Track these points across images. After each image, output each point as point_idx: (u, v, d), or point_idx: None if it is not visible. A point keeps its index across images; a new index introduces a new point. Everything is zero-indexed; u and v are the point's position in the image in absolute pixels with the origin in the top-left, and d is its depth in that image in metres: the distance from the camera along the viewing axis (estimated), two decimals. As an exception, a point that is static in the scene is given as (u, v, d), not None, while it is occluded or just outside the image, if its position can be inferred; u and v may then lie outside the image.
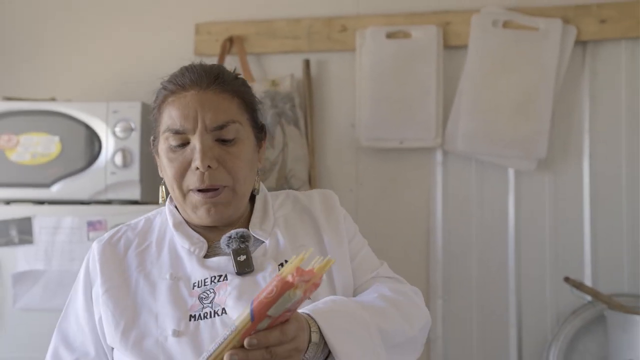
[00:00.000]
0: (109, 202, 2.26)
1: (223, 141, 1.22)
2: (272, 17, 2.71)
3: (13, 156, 2.27)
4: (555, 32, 2.48)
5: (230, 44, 2.70)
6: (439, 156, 2.61)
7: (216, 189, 1.21)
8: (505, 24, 2.54)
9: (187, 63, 1.30)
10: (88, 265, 1.28)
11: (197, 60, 1.30)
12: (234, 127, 1.23)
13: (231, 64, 2.61)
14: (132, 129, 2.24)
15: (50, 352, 1.28)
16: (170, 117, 1.22)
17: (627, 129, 2.53)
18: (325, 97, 2.69)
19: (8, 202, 2.30)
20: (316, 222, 1.32)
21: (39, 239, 2.19)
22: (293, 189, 2.56)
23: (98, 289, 1.23)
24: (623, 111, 2.53)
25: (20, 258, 2.19)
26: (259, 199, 1.33)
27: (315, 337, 1.06)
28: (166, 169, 1.25)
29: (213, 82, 1.24)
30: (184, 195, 1.24)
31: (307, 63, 2.66)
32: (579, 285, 2.31)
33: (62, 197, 2.26)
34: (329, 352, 1.09)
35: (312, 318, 1.08)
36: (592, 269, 2.51)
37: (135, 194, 2.24)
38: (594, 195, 2.53)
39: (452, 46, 2.60)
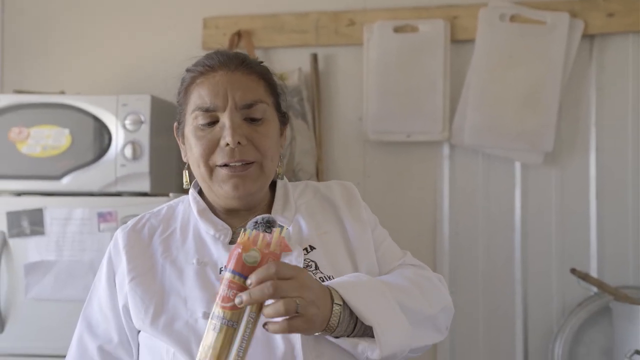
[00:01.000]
0: (119, 194, 2.28)
1: (251, 120, 1.25)
2: (279, 11, 2.72)
3: (24, 149, 2.29)
4: (563, 26, 2.49)
5: (238, 38, 2.71)
6: (446, 150, 2.62)
7: (245, 164, 1.23)
8: (513, 18, 2.56)
9: (195, 57, 1.33)
10: (110, 253, 1.29)
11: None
12: (262, 107, 1.25)
13: (239, 57, 2.63)
14: (141, 122, 2.26)
15: (75, 338, 1.30)
16: (200, 96, 1.25)
17: (634, 123, 2.53)
18: (333, 91, 2.71)
19: (19, 194, 2.32)
20: (337, 210, 1.34)
21: (50, 230, 2.21)
22: (301, 182, 2.59)
23: (123, 276, 1.25)
24: (630, 104, 2.54)
25: (32, 248, 2.21)
26: (279, 187, 1.35)
27: (338, 299, 1.09)
28: (193, 148, 1.26)
29: (240, 64, 1.27)
30: (211, 171, 1.25)
31: (314, 57, 2.68)
32: (585, 277, 2.32)
33: (73, 190, 2.27)
34: (355, 325, 1.12)
35: (332, 288, 1.11)
36: (598, 262, 2.52)
37: (145, 186, 2.26)
38: (600, 189, 2.54)
39: (460, 40, 2.61)
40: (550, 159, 2.55)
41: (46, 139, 2.29)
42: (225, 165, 1.23)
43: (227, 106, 1.23)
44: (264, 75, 1.29)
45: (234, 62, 1.26)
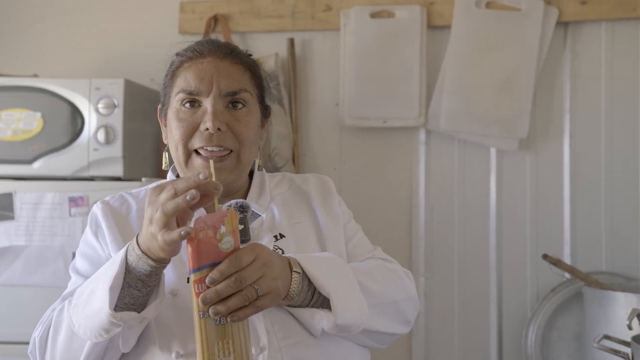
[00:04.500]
0: (91, 179, 2.25)
1: (233, 108, 1.28)
2: (256, -5, 2.70)
3: (-6, 132, 2.26)
4: (537, 13, 2.50)
5: (214, 22, 2.69)
6: (422, 135, 2.62)
7: (222, 155, 1.25)
8: (488, 5, 2.56)
9: (171, 41, 1.38)
10: (95, 219, 1.31)
11: (182, 39, 1.35)
12: (245, 96, 1.29)
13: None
14: (115, 106, 2.23)
15: (69, 291, 1.29)
16: (186, 79, 1.28)
17: (607, 110, 2.55)
18: (310, 76, 2.70)
19: (-12, 178, 2.29)
20: (311, 202, 1.36)
21: (20, 214, 2.19)
22: (277, 168, 2.58)
23: (107, 234, 1.27)
24: (603, 92, 2.56)
25: (1, 234, 2.18)
26: (256, 176, 1.38)
27: (296, 267, 1.12)
28: (173, 130, 1.28)
29: (229, 53, 1.30)
30: (188, 156, 1.27)
31: (291, 42, 2.66)
32: (556, 262, 2.34)
33: (44, 174, 2.24)
34: (313, 295, 1.14)
35: (291, 258, 1.14)
36: (571, 248, 2.54)
37: (117, 170, 2.24)
38: (573, 175, 2.56)
39: (436, 26, 2.60)
40: (524, 145, 2.56)
41: (17, 123, 2.26)
42: (202, 149, 1.25)
43: (211, 92, 1.26)
44: (251, 67, 1.33)
45: (223, 51, 1.30)
